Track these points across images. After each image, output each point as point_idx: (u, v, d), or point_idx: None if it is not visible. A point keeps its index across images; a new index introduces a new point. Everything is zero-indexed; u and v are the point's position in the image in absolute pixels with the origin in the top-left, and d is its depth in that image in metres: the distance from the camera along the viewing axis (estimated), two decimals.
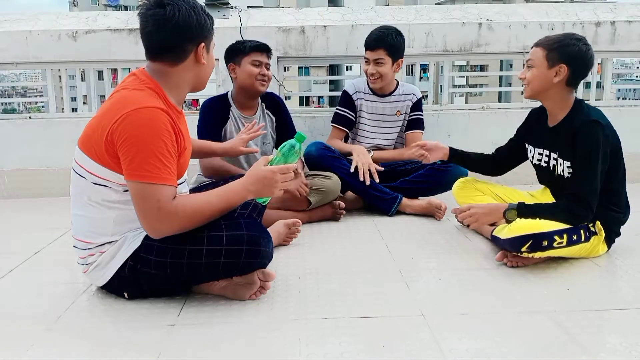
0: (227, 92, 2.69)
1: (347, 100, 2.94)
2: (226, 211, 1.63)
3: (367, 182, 2.65)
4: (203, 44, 1.63)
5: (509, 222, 1.97)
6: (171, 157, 1.55)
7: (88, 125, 1.62)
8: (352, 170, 2.67)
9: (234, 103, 2.64)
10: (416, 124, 2.94)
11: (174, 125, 1.57)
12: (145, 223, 1.56)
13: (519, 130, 2.32)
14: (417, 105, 2.95)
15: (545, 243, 1.87)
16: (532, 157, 2.21)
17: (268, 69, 2.59)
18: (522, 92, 2.16)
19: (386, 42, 2.75)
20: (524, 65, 2.11)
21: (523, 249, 1.88)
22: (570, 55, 1.97)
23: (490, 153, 2.42)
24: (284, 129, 2.76)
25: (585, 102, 2.09)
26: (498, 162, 2.38)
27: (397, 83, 2.95)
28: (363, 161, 2.69)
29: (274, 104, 2.76)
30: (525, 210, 1.96)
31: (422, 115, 2.96)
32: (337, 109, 2.98)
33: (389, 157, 2.89)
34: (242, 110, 2.64)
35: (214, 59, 1.73)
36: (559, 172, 2.07)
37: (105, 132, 1.52)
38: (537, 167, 2.21)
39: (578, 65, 1.99)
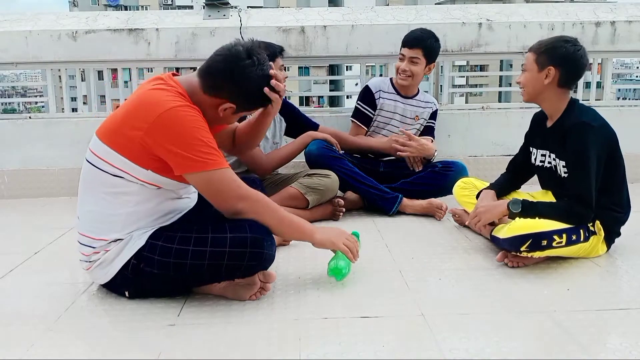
0: None
1: (368, 97, 2.93)
2: (293, 230, 1.75)
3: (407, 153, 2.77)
4: (230, 105, 1.65)
5: (512, 214, 1.98)
6: (216, 146, 1.60)
7: (111, 119, 1.64)
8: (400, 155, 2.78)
9: None
10: (429, 131, 3.00)
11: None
12: (228, 206, 1.62)
13: (525, 136, 2.33)
14: (433, 115, 3.02)
15: (544, 242, 1.87)
16: (535, 159, 2.22)
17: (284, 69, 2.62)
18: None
19: (426, 43, 2.77)
20: (522, 69, 2.12)
21: (522, 249, 1.88)
22: (557, 57, 1.99)
23: (506, 170, 2.40)
24: (300, 124, 2.81)
25: (580, 102, 2.10)
26: (517, 176, 2.35)
27: (418, 90, 2.99)
28: (389, 145, 2.79)
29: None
30: (528, 206, 1.97)
31: (435, 125, 3.03)
32: (357, 103, 2.97)
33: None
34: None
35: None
36: (559, 172, 2.08)
37: (140, 132, 1.53)
38: (540, 169, 2.21)
39: (568, 66, 2.01)
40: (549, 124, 2.12)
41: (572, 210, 1.94)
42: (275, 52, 2.52)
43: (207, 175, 1.57)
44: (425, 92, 3.10)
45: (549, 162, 2.14)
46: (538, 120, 2.23)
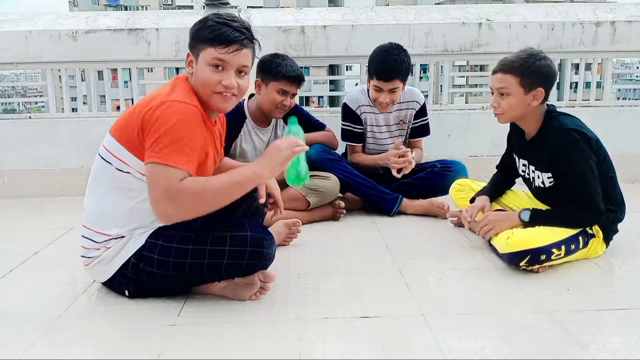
0: (243, 102, 2.59)
1: (351, 116, 2.81)
2: (238, 191, 1.55)
3: (407, 171, 2.57)
4: (189, 52, 1.66)
5: (525, 223, 1.96)
6: (195, 151, 1.54)
7: (122, 116, 1.67)
8: (398, 175, 2.60)
9: (250, 114, 2.60)
10: (421, 130, 2.89)
11: (204, 128, 1.61)
12: (155, 206, 1.52)
13: (507, 139, 2.30)
14: (422, 111, 2.86)
15: (543, 257, 1.86)
16: (518, 167, 2.21)
17: (293, 97, 2.55)
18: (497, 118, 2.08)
19: (401, 70, 2.58)
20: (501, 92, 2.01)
21: (522, 264, 1.88)
22: (543, 76, 1.95)
23: (496, 169, 2.39)
24: (307, 129, 2.68)
25: (551, 105, 2.05)
26: (508, 175, 2.34)
27: None
28: (391, 160, 2.58)
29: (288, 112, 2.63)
30: (539, 214, 1.96)
31: (427, 119, 2.89)
32: (343, 124, 2.84)
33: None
34: (257, 122, 2.62)
35: (209, 75, 1.60)
36: (537, 184, 2.08)
37: (140, 117, 1.54)
38: (522, 177, 2.22)
39: (551, 84, 1.99)
40: (528, 136, 2.09)
41: (584, 218, 1.95)
42: None
43: (153, 168, 1.49)
44: (423, 92, 3.03)
45: (529, 174, 2.14)
46: (516, 128, 2.17)
